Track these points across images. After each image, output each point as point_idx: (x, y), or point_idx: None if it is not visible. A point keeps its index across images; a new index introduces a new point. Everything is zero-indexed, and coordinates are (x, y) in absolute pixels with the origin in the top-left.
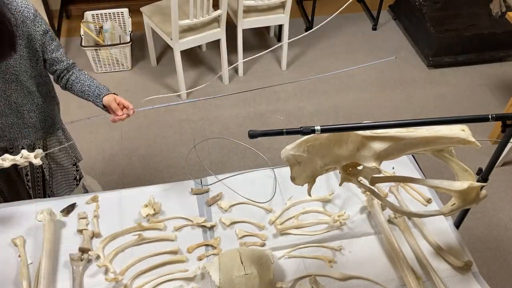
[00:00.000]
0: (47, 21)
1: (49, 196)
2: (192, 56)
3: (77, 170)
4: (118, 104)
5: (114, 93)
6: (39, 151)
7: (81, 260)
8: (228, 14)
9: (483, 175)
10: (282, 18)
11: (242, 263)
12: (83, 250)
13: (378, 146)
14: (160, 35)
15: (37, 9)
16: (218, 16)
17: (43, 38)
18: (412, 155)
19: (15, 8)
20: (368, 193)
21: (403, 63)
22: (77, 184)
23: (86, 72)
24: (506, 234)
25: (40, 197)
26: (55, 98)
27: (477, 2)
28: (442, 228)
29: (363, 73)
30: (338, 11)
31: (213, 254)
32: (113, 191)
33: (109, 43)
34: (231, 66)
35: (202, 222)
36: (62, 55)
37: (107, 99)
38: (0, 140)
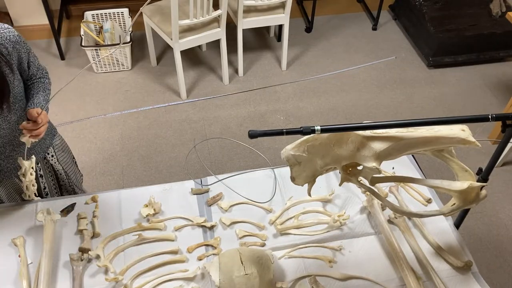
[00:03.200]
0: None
1: None
2: (192, 56)
3: (76, 166)
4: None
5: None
6: None
7: (81, 260)
8: (228, 14)
9: (483, 175)
10: (282, 18)
11: (242, 263)
12: (83, 250)
13: (378, 146)
14: (160, 35)
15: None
16: (218, 16)
17: (28, 57)
18: (412, 155)
19: (1, 37)
20: (368, 193)
21: (403, 63)
22: (82, 180)
23: (47, 82)
24: (506, 234)
25: None
26: None
27: (477, 2)
28: (442, 228)
29: (363, 73)
30: None
31: (213, 254)
32: (113, 191)
33: (109, 43)
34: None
35: (202, 222)
36: (38, 69)
37: (30, 111)
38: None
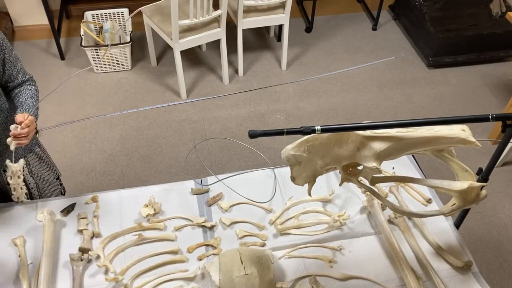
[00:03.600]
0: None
1: None
2: (192, 56)
3: (60, 184)
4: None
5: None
6: None
7: (81, 260)
8: (228, 14)
9: (483, 175)
10: (282, 18)
11: (242, 263)
12: (83, 250)
13: (378, 146)
14: (160, 35)
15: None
16: (218, 16)
17: (3, 54)
18: (412, 155)
19: None
20: (368, 193)
21: (403, 63)
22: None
23: (34, 88)
24: (506, 234)
25: None
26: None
27: (477, 2)
28: (442, 228)
29: (363, 73)
30: None
31: (213, 254)
32: (113, 191)
33: (109, 43)
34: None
35: (202, 222)
36: (18, 71)
37: (17, 115)
38: None
